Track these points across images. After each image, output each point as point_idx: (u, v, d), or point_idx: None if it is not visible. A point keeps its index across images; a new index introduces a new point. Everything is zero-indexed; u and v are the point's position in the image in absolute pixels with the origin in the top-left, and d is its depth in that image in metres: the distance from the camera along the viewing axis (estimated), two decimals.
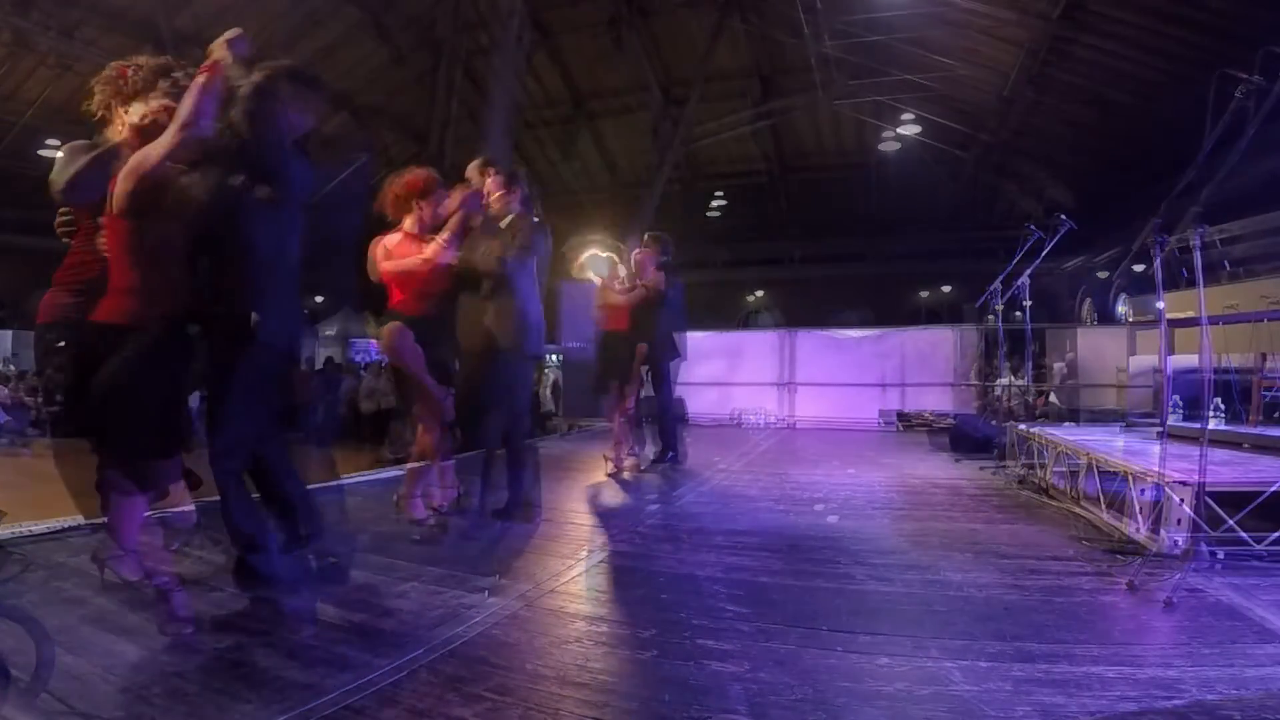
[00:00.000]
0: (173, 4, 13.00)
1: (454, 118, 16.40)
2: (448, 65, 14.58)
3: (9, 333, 15.90)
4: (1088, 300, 15.38)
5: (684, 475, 5.14)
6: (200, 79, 2.24)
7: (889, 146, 16.92)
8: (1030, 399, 8.96)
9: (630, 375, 5.16)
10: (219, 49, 2.27)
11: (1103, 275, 14.18)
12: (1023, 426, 4.98)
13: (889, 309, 19.16)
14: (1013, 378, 5.79)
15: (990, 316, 6.54)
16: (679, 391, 5.65)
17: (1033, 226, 4.67)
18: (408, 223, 3.40)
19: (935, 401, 8.98)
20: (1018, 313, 5.74)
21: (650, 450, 5.49)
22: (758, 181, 20.84)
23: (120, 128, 2.39)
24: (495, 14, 12.35)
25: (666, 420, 5.50)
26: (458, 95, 16.20)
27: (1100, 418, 6.92)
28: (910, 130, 15.95)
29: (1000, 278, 4.97)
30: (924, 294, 20.70)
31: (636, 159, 20.09)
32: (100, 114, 2.40)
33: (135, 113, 2.32)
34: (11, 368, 14.26)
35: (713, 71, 16.51)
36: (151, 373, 2.29)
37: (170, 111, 2.24)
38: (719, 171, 21.25)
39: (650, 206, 15.51)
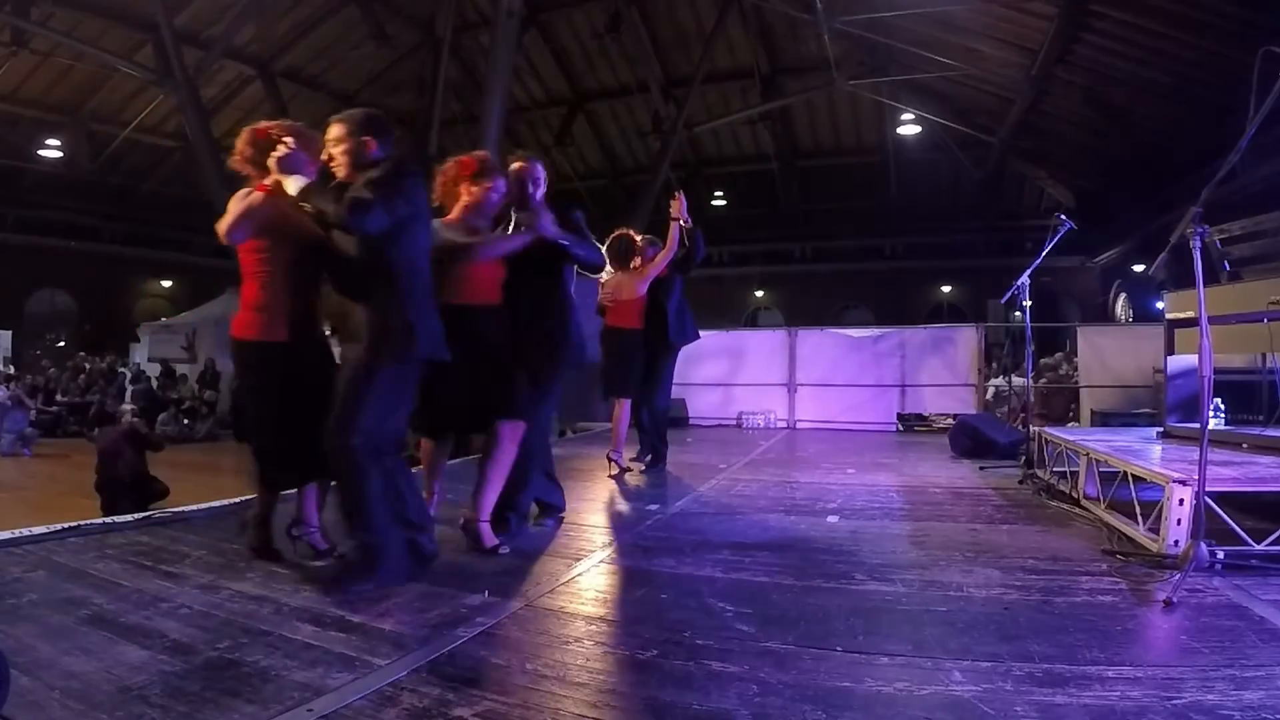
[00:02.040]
0: (173, 3, 12.98)
1: (454, 116, 16.36)
2: (445, 64, 14.53)
3: (8, 333, 15.89)
4: (1122, 295, 15.09)
5: (685, 478, 5.14)
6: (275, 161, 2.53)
7: (908, 130, 16.33)
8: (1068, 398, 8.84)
9: (642, 379, 5.07)
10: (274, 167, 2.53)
11: (1139, 269, 13.76)
12: (1052, 431, 4.94)
13: (904, 306, 19.07)
14: (1028, 378, 5.67)
15: (1017, 313, 6.43)
16: (677, 391, 5.57)
17: (1063, 216, 4.55)
18: (455, 210, 3.17)
19: (956, 404, 8.90)
20: (1016, 313, 5.63)
21: (641, 453, 5.42)
22: (764, 170, 20.39)
23: (263, 180, 2.62)
24: (495, 10, 12.28)
25: (661, 421, 5.46)
26: (455, 93, 16.14)
27: (1133, 421, 6.78)
28: (929, 114, 15.40)
29: (1027, 271, 4.89)
30: (945, 289, 20.48)
31: (636, 146, 19.84)
32: (246, 171, 2.67)
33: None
34: (12, 368, 14.24)
35: (717, 52, 16.15)
36: (285, 386, 2.61)
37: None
38: (724, 158, 20.82)
39: (651, 196, 15.24)
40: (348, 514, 2.57)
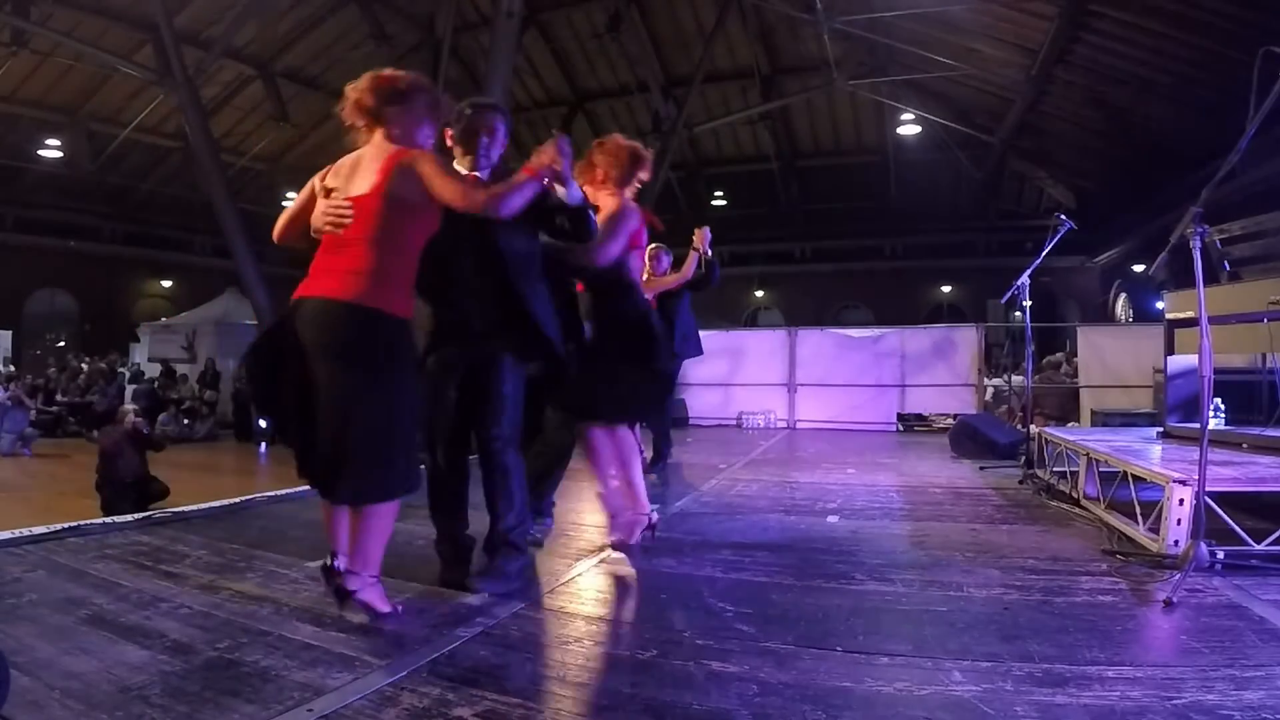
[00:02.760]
0: (173, 3, 12.96)
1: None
2: (445, 64, 14.52)
3: (8, 333, 15.88)
4: (1122, 295, 15.11)
5: (685, 478, 5.14)
6: (524, 179, 2.25)
7: (908, 130, 16.32)
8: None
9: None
10: (550, 158, 2.25)
11: (1139, 269, 13.80)
12: (1052, 431, 4.94)
13: (904, 306, 19.09)
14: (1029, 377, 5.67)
15: (1017, 313, 6.41)
16: (676, 391, 5.56)
17: (1063, 216, 4.55)
18: (606, 194, 3.11)
19: (956, 404, 8.89)
20: (1016, 313, 5.63)
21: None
22: (764, 170, 20.35)
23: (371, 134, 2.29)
24: (495, 10, 12.27)
25: (666, 424, 5.45)
26: (455, 94, 16.13)
27: (1133, 421, 6.78)
28: (929, 114, 15.41)
29: (1027, 272, 4.90)
30: (945, 289, 20.48)
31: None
32: (355, 122, 2.30)
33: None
34: (12, 368, 14.23)
35: (717, 52, 16.05)
36: (396, 383, 2.16)
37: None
38: (724, 158, 20.74)
39: (652, 196, 15.22)
40: (498, 509, 2.53)
